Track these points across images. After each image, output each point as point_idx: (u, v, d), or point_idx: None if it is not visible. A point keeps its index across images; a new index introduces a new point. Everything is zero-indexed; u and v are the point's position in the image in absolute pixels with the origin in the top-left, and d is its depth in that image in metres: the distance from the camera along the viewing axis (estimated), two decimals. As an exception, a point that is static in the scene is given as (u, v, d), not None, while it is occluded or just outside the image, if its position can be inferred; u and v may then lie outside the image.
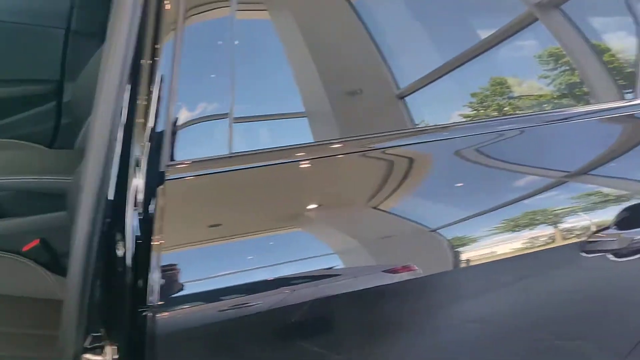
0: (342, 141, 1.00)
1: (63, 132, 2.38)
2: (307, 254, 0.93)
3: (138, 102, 0.87)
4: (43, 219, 1.61)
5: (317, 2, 1.10)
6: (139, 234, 0.88)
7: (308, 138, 1.01)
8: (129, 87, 0.89)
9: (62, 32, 2.28)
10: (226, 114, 0.90)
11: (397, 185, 1.01)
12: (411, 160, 1.05)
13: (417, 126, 1.07)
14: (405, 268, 0.95)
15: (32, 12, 2.24)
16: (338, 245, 0.95)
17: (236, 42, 0.92)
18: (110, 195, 0.88)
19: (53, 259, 1.62)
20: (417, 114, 1.08)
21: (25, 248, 1.58)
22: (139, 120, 0.86)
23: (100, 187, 0.88)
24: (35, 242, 1.58)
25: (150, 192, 0.85)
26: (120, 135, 0.88)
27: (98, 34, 2.28)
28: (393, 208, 0.99)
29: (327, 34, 1.08)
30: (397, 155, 1.04)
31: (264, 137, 1.01)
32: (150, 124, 0.86)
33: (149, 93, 0.86)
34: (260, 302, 0.88)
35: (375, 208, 0.98)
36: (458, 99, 1.13)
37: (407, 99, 1.08)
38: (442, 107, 1.12)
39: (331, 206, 0.98)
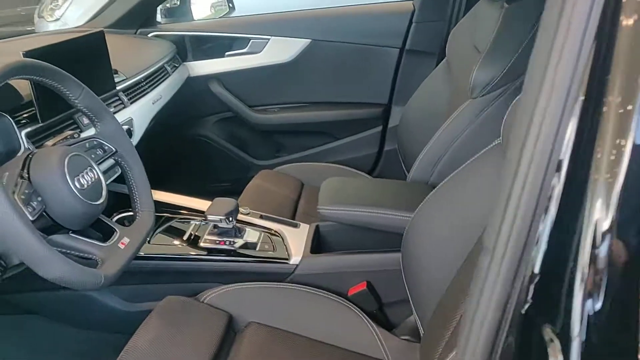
0: None
1: (386, 159, 2.22)
2: None
3: (596, 147, 0.52)
4: (369, 259, 1.40)
5: None
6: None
7: None
8: (573, 124, 0.54)
9: (396, 51, 2.12)
10: None
11: None
12: None
13: None
14: None
15: (376, 32, 2.13)
16: None
17: None
18: (536, 270, 0.55)
19: (378, 309, 1.39)
20: None
21: (351, 291, 1.37)
22: (597, 172, 0.51)
23: (520, 255, 0.56)
24: (361, 286, 1.36)
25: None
26: (557, 190, 0.54)
27: (431, 53, 2.08)
28: None
29: None
30: None
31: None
32: (619, 183, 0.50)
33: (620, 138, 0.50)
34: None
35: None
36: None
37: None
38: None
39: None
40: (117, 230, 1.07)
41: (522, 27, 1.43)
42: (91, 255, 0.97)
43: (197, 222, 1.51)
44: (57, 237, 0.95)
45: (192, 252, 1.40)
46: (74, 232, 0.97)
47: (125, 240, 1.05)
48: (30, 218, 0.86)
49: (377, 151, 2.24)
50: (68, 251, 0.95)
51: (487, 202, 1.09)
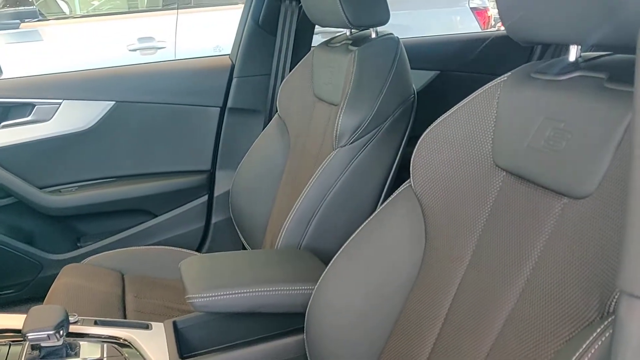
0: None
1: (215, 232, 1.94)
2: None
3: None
4: (262, 351, 1.09)
5: None
6: None
7: None
8: None
9: (217, 110, 1.90)
10: None
11: None
12: None
13: None
14: None
15: (192, 90, 1.90)
16: None
17: None
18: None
19: None
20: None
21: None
22: None
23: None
24: None
25: None
26: None
27: (257, 110, 1.91)
28: None
29: None
30: None
31: None
32: None
33: None
34: None
35: None
36: None
37: None
38: None
39: None
40: None
41: (381, 68, 1.34)
42: None
43: (4, 347, 1.07)
44: None
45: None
46: None
47: None
48: None
49: (205, 224, 1.95)
50: None
51: (404, 250, 0.94)
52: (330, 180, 1.31)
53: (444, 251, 0.88)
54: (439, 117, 0.94)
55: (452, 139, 0.91)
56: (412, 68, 1.39)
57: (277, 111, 1.67)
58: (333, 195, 1.31)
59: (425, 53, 2.14)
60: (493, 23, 4.26)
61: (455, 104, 0.92)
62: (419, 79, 1.97)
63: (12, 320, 1.11)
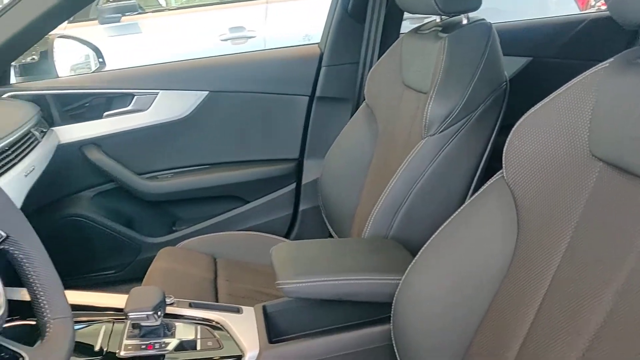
0: None
1: (302, 219, 1.97)
2: None
3: None
4: (350, 339, 1.11)
5: None
6: None
7: None
8: None
9: (305, 99, 1.93)
10: None
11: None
12: None
13: None
14: None
15: (281, 79, 1.94)
16: None
17: None
18: None
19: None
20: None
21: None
22: None
23: None
24: None
25: None
26: None
27: (345, 99, 1.91)
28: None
29: None
30: None
31: None
32: None
33: None
34: None
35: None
36: None
37: None
38: None
39: None
40: (23, 355, 0.71)
41: (472, 55, 1.30)
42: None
43: (108, 324, 1.14)
44: None
45: (112, 368, 1.03)
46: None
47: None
48: None
49: (292, 212, 1.99)
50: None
51: (495, 241, 0.92)
52: (418, 170, 1.29)
53: (537, 244, 0.86)
54: (532, 105, 0.91)
55: (548, 129, 0.87)
56: (503, 54, 1.35)
57: (364, 99, 1.67)
58: (421, 184, 1.30)
59: (517, 38, 2.06)
60: (593, 3, 4.02)
61: (550, 92, 0.89)
62: (510, 65, 1.90)
63: (115, 299, 1.18)
